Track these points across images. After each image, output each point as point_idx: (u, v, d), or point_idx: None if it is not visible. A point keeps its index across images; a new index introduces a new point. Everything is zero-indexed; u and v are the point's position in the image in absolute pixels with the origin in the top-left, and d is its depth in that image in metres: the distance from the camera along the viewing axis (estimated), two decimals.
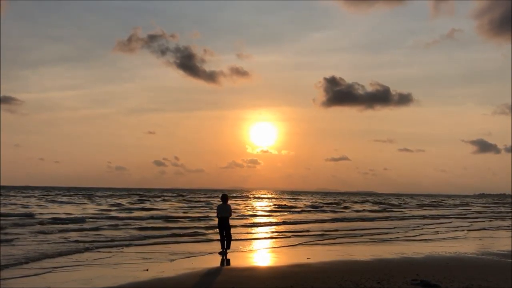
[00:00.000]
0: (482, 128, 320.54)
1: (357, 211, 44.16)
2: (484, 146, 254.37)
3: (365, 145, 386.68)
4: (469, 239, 19.18)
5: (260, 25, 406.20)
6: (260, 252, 14.20)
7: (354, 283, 8.64)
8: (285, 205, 53.08)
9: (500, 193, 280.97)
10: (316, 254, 13.33)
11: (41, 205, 40.01)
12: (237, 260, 12.04)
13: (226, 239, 12.93)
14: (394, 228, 24.39)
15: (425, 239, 18.40)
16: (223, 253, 12.80)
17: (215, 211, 13.36)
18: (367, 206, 55.79)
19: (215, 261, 11.82)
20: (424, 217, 36.60)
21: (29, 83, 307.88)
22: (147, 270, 10.16)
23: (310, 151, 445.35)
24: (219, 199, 12.39)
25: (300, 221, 28.08)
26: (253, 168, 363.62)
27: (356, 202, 70.24)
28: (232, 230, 13.31)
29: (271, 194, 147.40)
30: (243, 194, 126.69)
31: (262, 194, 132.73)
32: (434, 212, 46.30)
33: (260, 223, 26.08)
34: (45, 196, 65.86)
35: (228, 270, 10.51)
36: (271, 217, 31.60)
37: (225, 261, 11.81)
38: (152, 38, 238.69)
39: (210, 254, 13.06)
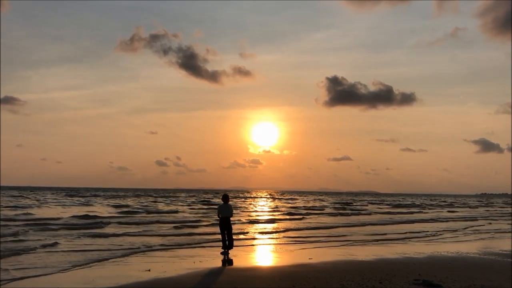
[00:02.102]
0: (485, 128, 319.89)
1: (383, 213, 41.60)
2: (486, 146, 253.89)
3: (367, 145, 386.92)
4: (471, 239, 19.16)
5: (262, 24, 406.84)
6: (262, 252, 14.20)
7: (356, 283, 8.63)
8: (314, 206, 51.72)
9: (502, 193, 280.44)
10: (318, 254, 13.32)
11: (54, 207, 39.33)
12: (239, 260, 12.05)
13: (227, 239, 12.95)
14: (443, 230, 23.22)
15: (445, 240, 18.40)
16: (225, 253, 12.81)
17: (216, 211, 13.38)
18: (387, 208, 53.13)
19: (217, 261, 11.82)
20: (464, 218, 35.47)
21: (31, 83, 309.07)
22: (149, 270, 10.17)
23: (312, 151, 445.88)
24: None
25: (334, 225, 25.81)
26: (255, 168, 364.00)
27: (372, 203, 68.36)
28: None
29: (279, 194, 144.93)
30: (253, 195, 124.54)
31: (270, 195, 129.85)
32: (464, 213, 44.25)
33: (297, 227, 23.69)
34: (54, 197, 65.51)
35: (230, 270, 10.51)
36: (300, 221, 28.60)
37: (227, 261, 11.82)
38: (154, 37, 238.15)
39: (212, 254, 13.07)
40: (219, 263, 11.46)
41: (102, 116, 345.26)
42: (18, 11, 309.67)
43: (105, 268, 10.57)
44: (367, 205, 59.28)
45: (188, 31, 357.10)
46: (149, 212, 34.35)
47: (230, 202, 13.36)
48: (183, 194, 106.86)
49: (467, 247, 15.66)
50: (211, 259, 12.11)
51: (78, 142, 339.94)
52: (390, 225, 27.07)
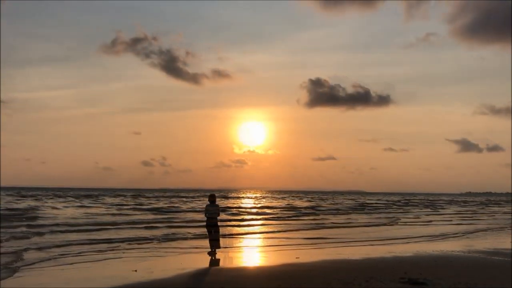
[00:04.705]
0: (465, 128, 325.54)
1: (407, 212, 40.78)
2: (467, 146, 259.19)
3: (350, 145, 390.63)
4: (458, 237, 19.41)
5: (244, 24, 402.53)
6: (249, 252, 14.19)
7: (342, 282, 8.66)
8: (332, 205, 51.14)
9: (486, 192, 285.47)
10: (306, 253, 13.35)
11: (55, 208, 38.18)
12: (226, 260, 12.01)
13: (214, 239, 12.88)
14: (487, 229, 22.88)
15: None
16: (212, 253, 12.75)
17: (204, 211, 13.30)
18: (402, 208, 51.77)
19: (204, 261, 11.77)
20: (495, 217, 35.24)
21: (15, 83, 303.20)
22: (136, 271, 10.07)
23: (297, 151, 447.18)
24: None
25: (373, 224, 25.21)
26: (240, 168, 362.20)
27: (379, 202, 67.35)
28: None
29: (272, 193, 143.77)
30: (259, 195, 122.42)
31: (271, 194, 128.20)
32: (490, 213, 43.69)
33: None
34: (46, 198, 64.07)
35: (217, 270, 10.47)
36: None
37: (214, 261, 11.78)
38: (135, 41, 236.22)
39: (199, 254, 13.01)
40: (205, 263, 11.41)
41: (87, 116, 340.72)
42: (2, 10, 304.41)
43: (91, 268, 10.43)
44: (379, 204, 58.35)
45: (168, 33, 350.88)
46: (157, 213, 33.32)
47: (218, 202, 13.31)
48: (190, 194, 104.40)
49: (452, 245, 15.85)
50: (199, 260, 12.06)
51: (63, 142, 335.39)
52: (433, 227, 25.84)
